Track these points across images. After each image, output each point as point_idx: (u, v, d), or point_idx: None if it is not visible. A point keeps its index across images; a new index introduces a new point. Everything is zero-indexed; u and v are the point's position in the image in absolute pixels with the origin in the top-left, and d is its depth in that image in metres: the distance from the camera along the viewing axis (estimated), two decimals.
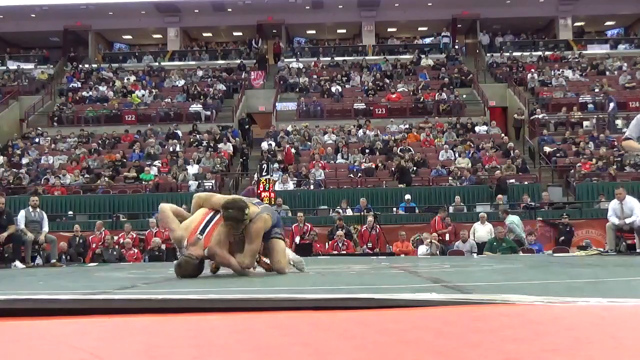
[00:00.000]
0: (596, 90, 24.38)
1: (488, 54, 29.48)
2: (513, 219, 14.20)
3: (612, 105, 22.27)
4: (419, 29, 33.66)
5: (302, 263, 6.02)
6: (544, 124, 22.27)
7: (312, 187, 18.39)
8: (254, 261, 5.56)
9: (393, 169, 18.72)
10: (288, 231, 14.96)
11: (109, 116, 24.93)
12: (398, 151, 20.33)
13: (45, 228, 12.18)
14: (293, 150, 20.56)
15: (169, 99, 25.96)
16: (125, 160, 20.71)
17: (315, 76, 27.57)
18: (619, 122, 22.29)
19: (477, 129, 22.73)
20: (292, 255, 6.21)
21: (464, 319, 2.00)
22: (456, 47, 31.30)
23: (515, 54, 29.19)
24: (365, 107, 24.61)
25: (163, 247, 14.04)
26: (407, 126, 22.86)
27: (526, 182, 18.27)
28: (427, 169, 19.25)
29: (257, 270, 5.89)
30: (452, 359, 1.44)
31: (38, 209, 12.24)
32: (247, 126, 24.45)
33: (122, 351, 1.67)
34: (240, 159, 21.62)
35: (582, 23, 32.69)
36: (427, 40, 32.99)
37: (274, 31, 32.46)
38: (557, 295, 2.45)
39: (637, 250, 10.85)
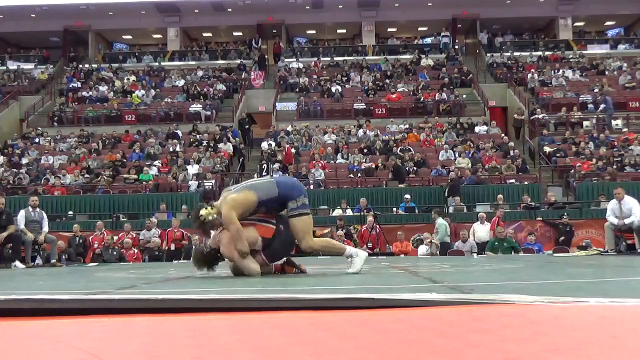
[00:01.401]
0: (596, 90, 24.39)
1: (488, 54, 29.49)
2: (444, 222, 14.45)
3: (602, 106, 22.32)
4: (419, 29, 33.67)
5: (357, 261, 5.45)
6: (544, 124, 22.27)
7: (312, 187, 18.39)
8: (245, 243, 5.23)
9: (391, 168, 18.65)
10: None
11: (109, 116, 24.93)
12: (398, 151, 20.33)
13: (45, 228, 12.19)
14: (293, 150, 20.57)
15: (169, 99, 25.96)
16: (125, 160, 20.71)
17: (315, 76, 27.57)
18: (618, 122, 22.30)
19: (477, 129, 22.73)
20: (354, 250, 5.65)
21: (464, 319, 2.00)
22: (456, 47, 31.31)
23: (515, 54, 29.19)
24: (365, 107, 24.61)
25: (173, 246, 14.18)
26: (407, 126, 22.86)
27: (526, 182, 18.27)
28: (427, 169, 19.24)
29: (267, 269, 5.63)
30: (452, 359, 1.44)
31: (38, 209, 12.24)
32: (247, 126, 24.45)
33: (122, 351, 1.67)
34: (238, 160, 21.60)
35: (582, 23, 32.69)
36: (427, 40, 33.01)
37: (274, 31, 32.47)
38: (557, 295, 2.45)
39: (637, 250, 10.86)
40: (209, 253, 5.48)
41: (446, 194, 17.17)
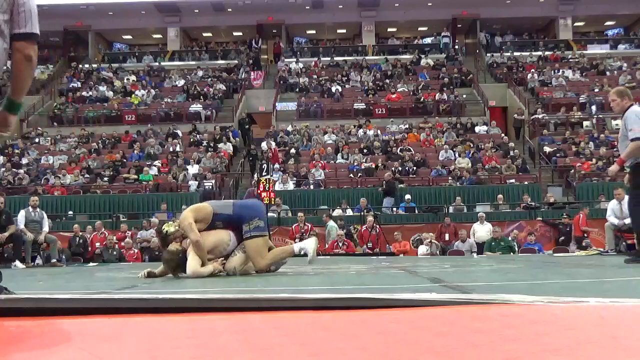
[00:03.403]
0: (596, 90, 24.39)
1: (488, 54, 29.48)
2: (334, 224, 14.77)
3: (594, 108, 22.45)
4: (419, 29, 33.66)
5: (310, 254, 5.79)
6: (544, 124, 22.28)
7: (312, 187, 18.39)
8: (196, 233, 5.52)
9: (383, 182, 17.83)
10: (286, 230, 15.06)
11: (109, 116, 24.93)
12: (398, 151, 20.32)
13: (45, 228, 12.20)
14: (293, 151, 20.58)
15: (169, 99, 25.96)
16: (125, 160, 20.71)
17: (315, 76, 27.56)
18: (618, 122, 22.29)
19: (477, 129, 22.73)
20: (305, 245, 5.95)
21: (464, 319, 2.00)
22: (456, 47, 31.30)
23: (515, 54, 29.19)
24: (365, 107, 24.60)
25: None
26: (407, 126, 22.86)
27: (526, 182, 18.27)
28: (427, 169, 19.24)
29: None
30: (452, 359, 1.44)
31: (38, 209, 12.25)
32: (247, 126, 24.44)
33: (122, 351, 1.67)
34: (249, 160, 21.41)
35: (582, 23, 32.68)
36: (427, 40, 32.98)
37: (274, 31, 32.45)
38: (557, 295, 2.45)
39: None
40: (181, 258, 5.64)
41: (382, 195, 17.14)
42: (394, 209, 17.33)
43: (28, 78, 2.90)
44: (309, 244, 5.80)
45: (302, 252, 5.78)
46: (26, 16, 2.80)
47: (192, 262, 5.48)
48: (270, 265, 5.89)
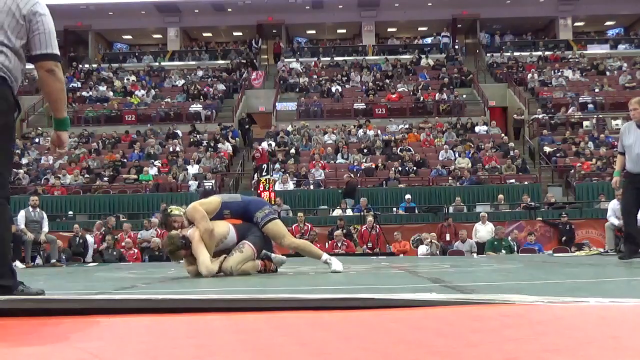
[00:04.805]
0: (596, 90, 24.38)
1: (488, 54, 29.48)
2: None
3: (572, 109, 22.59)
4: (419, 29, 33.67)
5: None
6: (544, 124, 22.29)
7: (312, 187, 18.39)
8: (208, 224, 5.50)
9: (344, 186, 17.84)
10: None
11: (109, 116, 24.93)
12: (398, 151, 20.33)
13: (45, 228, 12.21)
14: (293, 151, 20.58)
15: (169, 99, 25.97)
16: (125, 160, 20.71)
17: (315, 76, 27.56)
18: (618, 122, 22.31)
19: (477, 129, 22.73)
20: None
21: (464, 319, 2.00)
22: (456, 47, 31.30)
23: (515, 54, 29.19)
24: (365, 107, 24.60)
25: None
26: (407, 126, 22.86)
27: (526, 182, 18.28)
28: (427, 169, 19.24)
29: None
30: (452, 359, 1.44)
31: (38, 209, 12.27)
32: (247, 126, 24.44)
33: (122, 351, 1.67)
34: (252, 161, 21.30)
35: (582, 23, 32.69)
36: (427, 40, 32.99)
37: (274, 31, 32.47)
38: (557, 295, 2.45)
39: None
40: (183, 242, 5.57)
41: (342, 196, 17.13)
42: (394, 209, 17.34)
43: (58, 92, 3.09)
44: (338, 264, 5.67)
45: (327, 262, 5.70)
46: (41, 39, 3.01)
47: (207, 262, 5.42)
48: (297, 248, 5.98)
